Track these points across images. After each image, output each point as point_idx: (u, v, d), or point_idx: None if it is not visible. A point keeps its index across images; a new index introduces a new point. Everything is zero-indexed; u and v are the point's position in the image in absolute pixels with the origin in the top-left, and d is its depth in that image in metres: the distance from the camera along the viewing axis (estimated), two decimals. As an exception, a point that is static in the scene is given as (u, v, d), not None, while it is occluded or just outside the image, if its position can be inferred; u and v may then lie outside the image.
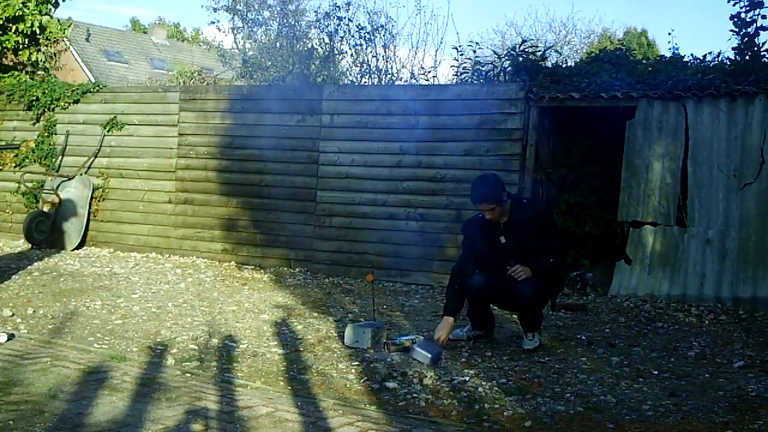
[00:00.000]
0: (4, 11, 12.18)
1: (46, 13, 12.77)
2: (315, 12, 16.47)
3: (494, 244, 5.26)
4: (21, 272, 7.65)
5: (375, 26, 14.43)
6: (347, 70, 15.38)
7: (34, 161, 10.37)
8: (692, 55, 9.14)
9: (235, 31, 18.11)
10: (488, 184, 5.18)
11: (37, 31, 12.76)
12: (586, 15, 45.97)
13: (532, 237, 5.19)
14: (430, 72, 12.92)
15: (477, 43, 11.12)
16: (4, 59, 12.99)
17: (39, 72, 13.41)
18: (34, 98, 10.36)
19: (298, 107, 8.99)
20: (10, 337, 4.92)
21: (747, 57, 8.27)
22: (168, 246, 9.61)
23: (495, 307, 5.59)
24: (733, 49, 8.49)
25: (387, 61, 14.16)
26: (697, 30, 50.03)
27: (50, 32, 13.15)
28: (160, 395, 3.86)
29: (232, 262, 9.09)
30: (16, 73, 12.45)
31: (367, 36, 14.32)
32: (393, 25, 18.90)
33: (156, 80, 21.60)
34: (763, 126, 7.23)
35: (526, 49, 9.36)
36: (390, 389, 4.21)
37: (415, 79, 13.23)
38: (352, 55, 15.01)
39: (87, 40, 27.78)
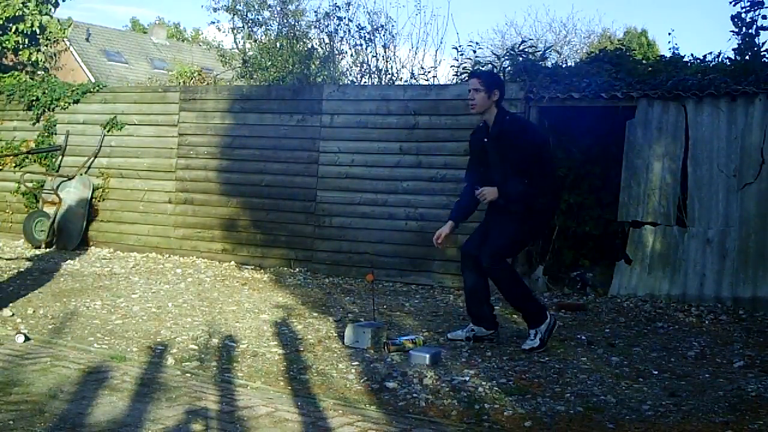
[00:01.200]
0: (4, 11, 12.20)
1: (46, 13, 12.80)
2: (315, 12, 16.49)
3: (484, 157, 5.07)
4: (21, 272, 7.65)
5: (375, 26, 14.43)
6: (347, 70, 15.38)
7: (34, 161, 10.37)
8: (692, 55, 9.14)
9: (235, 31, 18.08)
10: (489, 71, 5.21)
11: (37, 31, 12.80)
12: (586, 15, 46.17)
13: (509, 155, 4.84)
14: (430, 72, 12.93)
15: (477, 43, 11.15)
16: (4, 59, 13.02)
17: (39, 72, 13.44)
18: (34, 98, 10.36)
19: (298, 107, 8.99)
20: (27, 338, 4.91)
21: (747, 57, 8.28)
22: (168, 246, 9.61)
23: (495, 307, 5.58)
24: (733, 49, 8.51)
25: (387, 61, 14.16)
26: (697, 30, 50.09)
27: (50, 32, 13.18)
28: (160, 395, 3.86)
29: (232, 262, 9.09)
30: (16, 73, 12.46)
31: (367, 36, 14.32)
32: (393, 25, 18.96)
33: (156, 80, 21.58)
34: (763, 126, 7.23)
35: (526, 49, 9.36)
36: (390, 389, 4.21)
37: (415, 79, 13.22)
38: (352, 55, 15.02)
39: (87, 40, 27.84)
